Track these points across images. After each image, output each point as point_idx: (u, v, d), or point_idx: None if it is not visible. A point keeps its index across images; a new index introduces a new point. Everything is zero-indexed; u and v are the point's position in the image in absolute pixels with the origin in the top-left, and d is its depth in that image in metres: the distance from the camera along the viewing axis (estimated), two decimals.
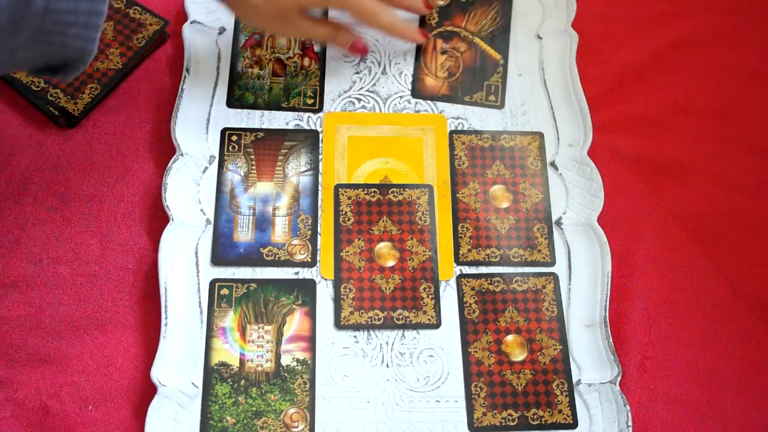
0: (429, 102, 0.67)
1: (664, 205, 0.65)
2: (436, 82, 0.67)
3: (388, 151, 0.65)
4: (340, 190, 0.63)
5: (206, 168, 0.62)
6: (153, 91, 0.66)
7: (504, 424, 0.56)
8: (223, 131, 0.64)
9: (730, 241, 0.64)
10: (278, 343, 0.57)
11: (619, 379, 0.56)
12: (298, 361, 0.57)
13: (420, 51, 0.68)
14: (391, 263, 0.60)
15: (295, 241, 0.61)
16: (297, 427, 0.55)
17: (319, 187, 0.63)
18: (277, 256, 0.60)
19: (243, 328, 0.58)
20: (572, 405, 0.57)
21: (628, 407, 0.55)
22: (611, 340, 0.58)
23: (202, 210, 0.61)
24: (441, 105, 0.67)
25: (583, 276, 0.61)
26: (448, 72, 0.67)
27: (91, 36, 0.47)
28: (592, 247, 0.61)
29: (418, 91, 0.67)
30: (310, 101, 0.66)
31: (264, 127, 0.65)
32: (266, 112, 0.65)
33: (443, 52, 0.68)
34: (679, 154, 0.67)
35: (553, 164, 0.65)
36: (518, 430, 0.56)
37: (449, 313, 0.59)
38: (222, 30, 0.68)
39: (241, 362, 0.57)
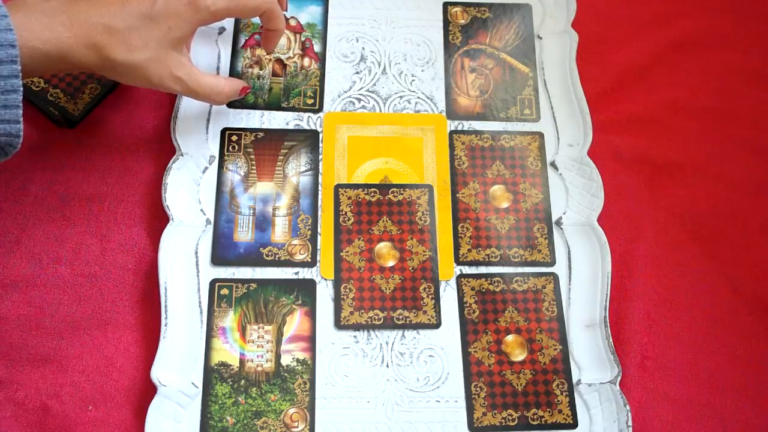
0: (429, 102, 0.67)
1: (664, 205, 0.65)
2: (470, 101, 0.67)
3: (388, 151, 0.65)
4: (340, 190, 0.63)
5: (206, 168, 0.62)
6: (153, 91, 0.66)
7: (504, 424, 0.56)
8: (223, 131, 0.64)
9: (730, 241, 0.64)
10: (278, 343, 0.57)
11: (619, 379, 0.57)
12: (298, 361, 0.57)
13: (448, 72, 0.68)
14: (391, 263, 0.61)
15: (295, 241, 0.61)
16: (297, 427, 0.55)
17: (319, 187, 0.63)
18: (277, 256, 0.60)
19: (243, 328, 0.58)
20: (572, 405, 0.57)
21: (628, 407, 0.55)
22: (611, 340, 0.58)
23: (202, 210, 0.61)
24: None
25: (583, 276, 0.61)
26: (480, 90, 0.67)
27: (12, 116, 0.44)
28: (592, 247, 0.61)
29: (454, 112, 0.66)
30: (310, 101, 0.66)
31: (264, 127, 0.65)
32: (266, 112, 0.65)
33: (472, 71, 0.68)
34: (679, 154, 0.67)
35: (553, 164, 0.65)
36: (518, 430, 0.56)
37: (449, 313, 0.59)
38: (222, 30, 0.68)
39: (241, 362, 0.57)
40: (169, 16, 0.52)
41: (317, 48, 0.68)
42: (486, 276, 0.61)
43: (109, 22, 0.50)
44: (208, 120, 0.64)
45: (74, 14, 0.49)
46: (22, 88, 0.44)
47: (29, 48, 0.47)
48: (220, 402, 0.55)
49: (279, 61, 0.68)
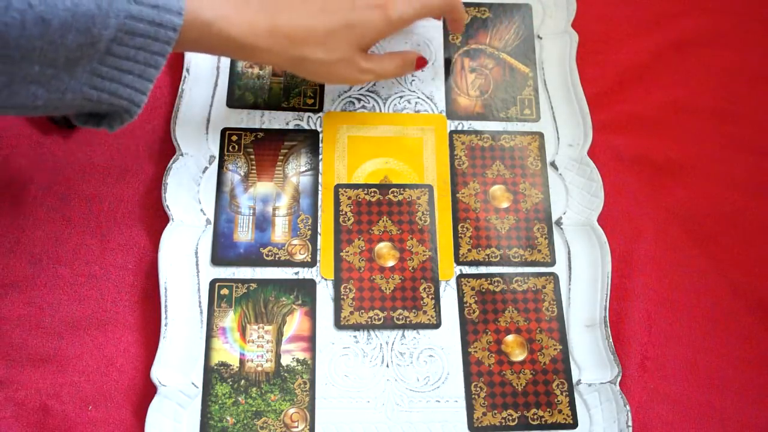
0: (429, 102, 0.67)
1: (664, 205, 0.65)
2: (470, 101, 0.67)
3: (388, 151, 0.65)
4: (340, 190, 0.63)
5: (206, 168, 0.62)
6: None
7: (504, 424, 0.56)
8: (223, 131, 0.64)
9: (730, 241, 0.64)
10: (278, 343, 0.57)
11: (619, 379, 0.57)
12: (298, 361, 0.57)
13: (448, 72, 0.68)
14: (391, 263, 0.61)
15: (295, 241, 0.61)
16: (297, 427, 0.55)
17: (319, 187, 0.63)
18: (277, 256, 0.60)
19: (243, 328, 0.58)
20: (572, 405, 0.57)
21: (628, 407, 0.55)
22: (611, 340, 0.58)
23: (202, 210, 0.61)
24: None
25: (583, 276, 0.61)
26: (480, 90, 0.67)
27: (143, 87, 0.46)
28: (592, 247, 0.61)
29: (453, 111, 0.66)
30: (310, 101, 0.66)
31: (264, 127, 0.65)
32: (266, 112, 0.65)
33: (472, 71, 0.68)
34: (679, 154, 0.67)
35: (553, 164, 0.65)
36: (518, 430, 0.56)
37: (449, 313, 0.59)
38: None
39: (241, 362, 0.57)
40: (364, 24, 0.56)
41: None
42: (486, 276, 0.60)
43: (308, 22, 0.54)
44: (208, 120, 0.64)
45: (274, 14, 0.53)
46: (161, 68, 0.46)
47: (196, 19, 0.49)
48: (220, 402, 0.55)
49: None
